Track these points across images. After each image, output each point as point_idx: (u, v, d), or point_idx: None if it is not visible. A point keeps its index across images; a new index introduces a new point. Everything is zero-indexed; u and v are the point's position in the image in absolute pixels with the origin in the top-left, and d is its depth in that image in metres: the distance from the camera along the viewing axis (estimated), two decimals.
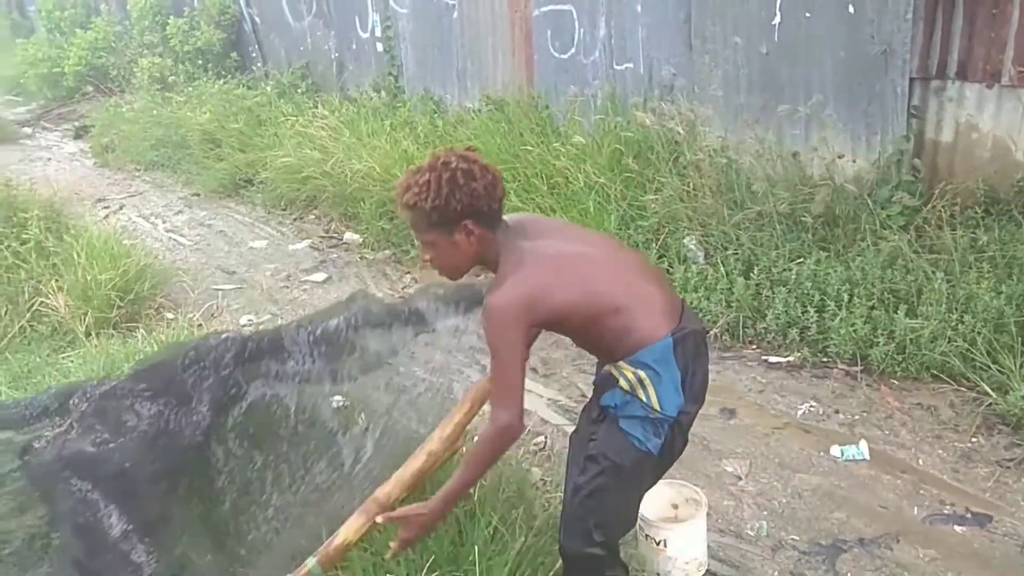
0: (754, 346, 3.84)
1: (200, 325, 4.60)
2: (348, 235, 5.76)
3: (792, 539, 2.68)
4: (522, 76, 6.64)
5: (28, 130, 10.11)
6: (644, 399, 1.89)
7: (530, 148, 5.14)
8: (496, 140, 5.56)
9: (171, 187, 7.31)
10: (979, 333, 3.33)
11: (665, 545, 2.36)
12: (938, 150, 4.43)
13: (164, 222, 6.46)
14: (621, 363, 1.92)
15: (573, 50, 6.13)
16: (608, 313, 1.90)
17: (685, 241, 4.30)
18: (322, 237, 5.87)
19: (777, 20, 4.80)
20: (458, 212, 1.84)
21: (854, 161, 4.55)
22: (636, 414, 1.91)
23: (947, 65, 4.27)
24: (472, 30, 6.99)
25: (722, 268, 4.08)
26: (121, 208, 6.85)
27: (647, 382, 1.89)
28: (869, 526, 2.72)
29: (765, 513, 2.80)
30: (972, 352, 3.31)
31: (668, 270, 4.23)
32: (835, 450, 3.08)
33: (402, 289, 4.88)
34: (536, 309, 1.85)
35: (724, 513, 2.80)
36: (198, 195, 6.97)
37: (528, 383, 2.67)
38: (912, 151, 4.38)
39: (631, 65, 5.76)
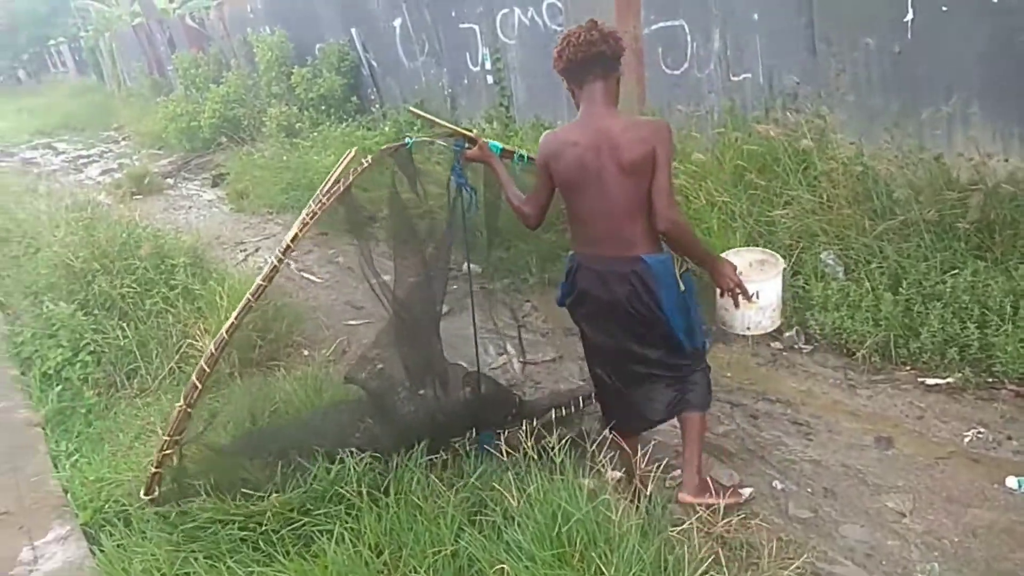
0: (908, 367, 3.54)
1: (333, 360, 4.75)
2: (466, 265, 5.80)
3: None
4: (633, 95, 6.55)
5: (170, 180, 10.89)
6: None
7: None
8: None
9: None
10: None
11: (758, 297, 2.64)
12: None
13: (296, 262, 6.74)
14: None
15: (687, 65, 5.99)
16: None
17: (823, 256, 4.05)
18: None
19: (910, 16, 4.51)
20: None
21: (1007, 160, 4.18)
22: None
23: None
24: None
25: (866, 283, 3.81)
26: (257, 251, 7.22)
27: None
28: None
29: (936, 554, 2.54)
30: None
31: (804, 287, 4.00)
32: (1011, 481, 2.77)
33: (523, 317, 4.85)
34: None
35: (889, 555, 2.56)
36: (326, 234, 7.23)
37: None
38: None
39: (749, 75, 5.55)
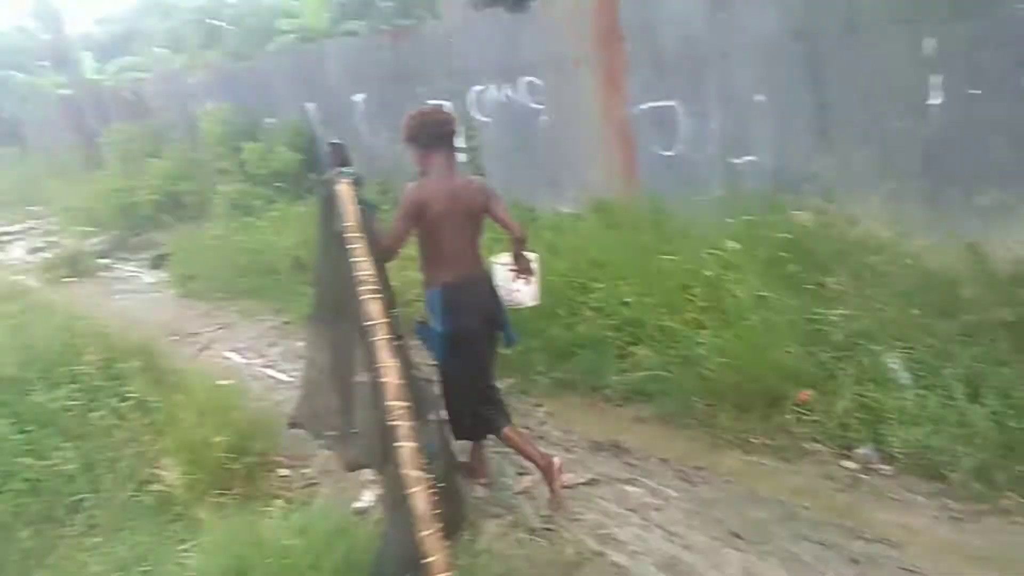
0: (1016, 494, 3.08)
1: (316, 483, 4.10)
2: None
3: None
4: (623, 177, 6.23)
5: (105, 261, 9.98)
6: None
7: (672, 257, 4.56)
8: (618, 251, 5.03)
9: (261, 316, 6.89)
10: None
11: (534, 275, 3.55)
12: None
13: (260, 356, 6.02)
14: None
15: (682, 146, 5.72)
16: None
17: (885, 360, 3.65)
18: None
19: (938, 100, 4.31)
20: None
21: None
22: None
23: None
24: (562, 133, 6.68)
25: (940, 392, 3.41)
26: (210, 344, 6.45)
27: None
28: None
29: None
30: None
31: (873, 397, 3.56)
32: None
33: (540, 425, 4.29)
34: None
35: None
36: (290, 323, 6.56)
37: None
38: None
39: (754, 158, 5.29)
